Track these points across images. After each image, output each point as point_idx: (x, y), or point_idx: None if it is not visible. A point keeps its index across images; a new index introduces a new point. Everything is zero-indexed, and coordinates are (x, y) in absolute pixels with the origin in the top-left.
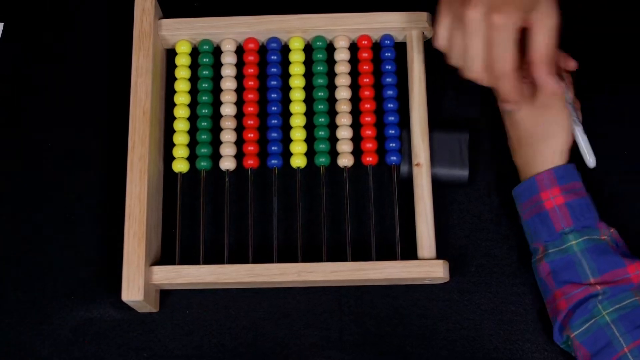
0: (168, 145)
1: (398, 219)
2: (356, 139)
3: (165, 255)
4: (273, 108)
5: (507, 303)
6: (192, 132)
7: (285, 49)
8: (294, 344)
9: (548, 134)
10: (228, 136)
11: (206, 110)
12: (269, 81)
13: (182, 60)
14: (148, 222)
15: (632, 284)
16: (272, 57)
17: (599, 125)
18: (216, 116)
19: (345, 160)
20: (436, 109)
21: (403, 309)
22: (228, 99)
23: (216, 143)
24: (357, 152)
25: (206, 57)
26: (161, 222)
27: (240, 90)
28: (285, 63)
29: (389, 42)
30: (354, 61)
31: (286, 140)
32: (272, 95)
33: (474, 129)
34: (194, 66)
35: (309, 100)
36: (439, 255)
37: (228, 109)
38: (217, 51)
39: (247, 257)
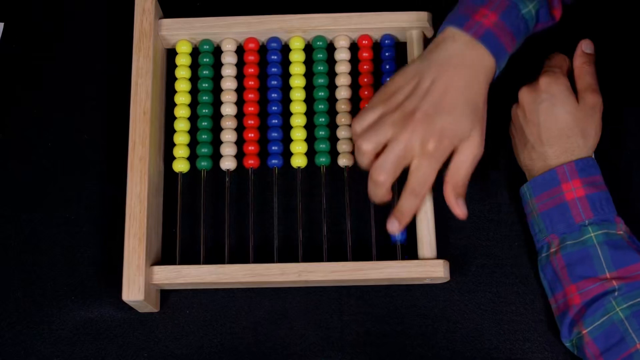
0: (168, 145)
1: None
2: None
3: (165, 255)
4: (273, 108)
5: (507, 303)
6: (193, 132)
7: (285, 49)
8: (294, 344)
9: (586, 132)
10: (228, 136)
11: (206, 110)
12: (269, 81)
13: (183, 60)
14: (148, 222)
15: None
16: (273, 57)
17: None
18: (216, 116)
19: (346, 160)
20: None
21: (403, 309)
22: (228, 98)
23: (216, 143)
24: None
25: (206, 57)
26: (161, 222)
27: (240, 90)
28: (285, 63)
29: (389, 42)
30: (354, 61)
31: (286, 140)
32: (273, 95)
33: None
34: (194, 66)
35: (309, 100)
36: (440, 255)
37: (228, 109)
38: (217, 51)
39: (247, 257)
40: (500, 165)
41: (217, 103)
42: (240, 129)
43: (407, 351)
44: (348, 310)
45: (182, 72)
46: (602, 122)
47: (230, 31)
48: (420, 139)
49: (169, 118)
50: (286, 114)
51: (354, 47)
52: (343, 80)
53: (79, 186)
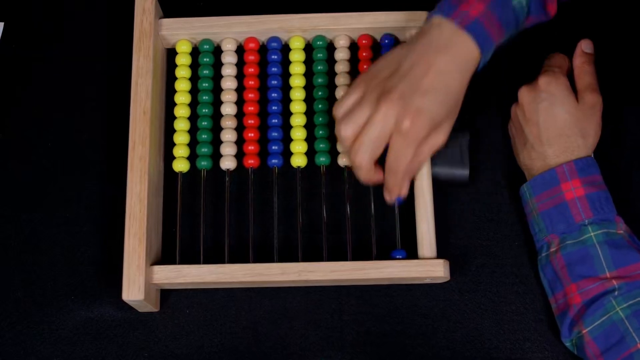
0: (168, 144)
1: (398, 219)
2: None
3: (165, 255)
4: (273, 107)
5: (507, 302)
6: (193, 131)
7: (285, 49)
8: (294, 343)
9: (586, 132)
10: (228, 135)
11: (206, 110)
12: (270, 80)
13: (183, 60)
14: (148, 221)
15: None
16: (273, 57)
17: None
18: (216, 115)
19: (346, 160)
20: None
21: (403, 308)
22: (228, 98)
23: (216, 142)
24: None
25: (206, 56)
26: (161, 222)
27: (240, 89)
28: (285, 62)
29: (389, 41)
30: (354, 60)
31: (286, 140)
32: (273, 95)
33: (474, 128)
34: (194, 66)
35: (309, 100)
36: (440, 255)
37: (228, 109)
38: (217, 51)
39: (247, 257)
40: (500, 165)
41: (217, 103)
42: (240, 129)
43: (407, 351)
44: (348, 310)
45: (182, 72)
46: (602, 121)
47: (230, 31)
48: (395, 118)
49: (169, 118)
50: (286, 114)
51: (354, 47)
52: (343, 79)
53: (79, 186)
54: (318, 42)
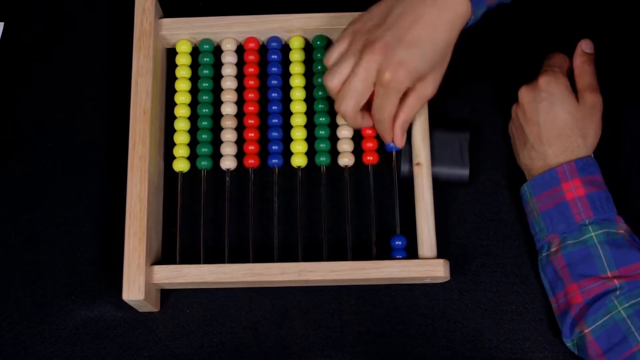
0: (168, 144)
1: (398, 219)
2: (357, 139)
3: (165, 255)
4: (273, 107)
5: (507, 302)
6: (193, 131)
7: (285, 48)
8: (294, 343)
9: (586, 132)
10: (228, 135)
11: (207, 110)
12: (270, 80)
13: (183, 60)
14: (148, 221)
15: None
16: (273, 57)
17: None
18: (217, 115)
19: (346, 160)
20: (436, 109)
21: (403, 308)
22: (228, 98)
23: (217, 142)
24: (357, 152)
25: (206, 56)
26: (161, 222)
27: (240, 89)
28: (285, 62)
29: None
30: None
31: (287, 140)
32: (273, 95)
33: (474, 128)
34: (194, 65)
35: (309, 100)
36: (440, 255)
37: (228, 108)
38: (217, 50)
39: (247, 257)
40: (500, 165)
41: (217, 102)
42: (240, 129)
43: (407, 351)
44: (348, 309)
45: (182, 72)
46: (602, 121)
47: (231, 31)
48: (376, 68)
49: (169, 117)
50: (286, 114)
51: None
52: None
53: (79, 186)
54: (318, 42)
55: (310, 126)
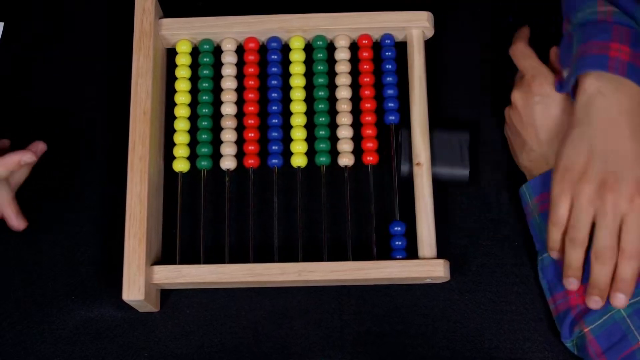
0: (168, 144)
1: (399, 219)
2: (356, 139)
3: (165, 255)
4: (273, 107)
5: (507, 302)
6: (193, 131)
7: (285, 49)
8: (294, 343)
9: None
10: (228, 135)
11: (206, 110)
12: (270, 80)
13: (183, 60)
14: (148, 221)
15: None
16: (273, 57)
17: None
18: (217, 115)
19: (346, 160)
20: (436, 109)
21: (404, 308)
22: (228, 98)
23: (217, 142)
24: (357, 152)
25: (206, 56)
26: (162, 222)
27: (240, 89)
28: (285, 62)
29: (389, 41)
30: (354, 60)
31: (287, 140)
32: (273, 95)
33: (474, 128)
34: (194, 66)
35: (309, 100)
36: (440, 255)
37: (228, 109)
38: (217, 51)
39: (247, 257)
40: (500, 165)
41: (217, 103)
42: (240, 129)
43: (407, 351)
44: (348, 309)
45: (182, 72)
46: None
47: (230, 31)
48: (625, 199)
49: (169, 118)
50: (286, 114)
51: (354, 47)
52: (343, 79)
53: (79, 186)
54: (318, 42)
55: (310, 126)
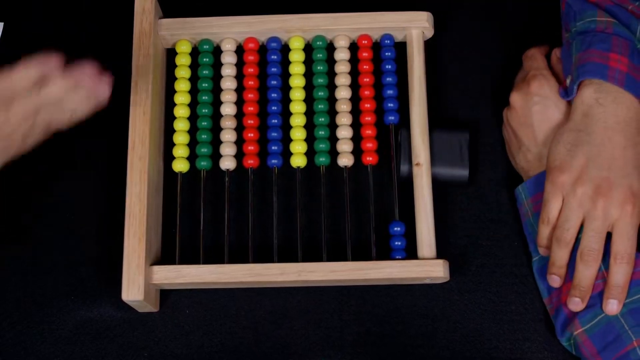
0: (168, 144)
1: (398, 219)
2: (356, 139)
3: (165, 255)
4: (273, 107)
5: (507, 303)
6: (192, 131)
7: (285, 49)
8: (294, 344)
9: None
10: (228, 136)
11: (206, 110)
12: (269, 81)
13: (182, 60)
14: (148, 221)
15: None
16: (272, 57)
17: None
18: (216, 116)
19: (345, 160)
20: (436, 109)
21: (403, 308)
22: (228, 98)
23: (216, 143)
24: (357, 152)
25: (206, 56)
26: (161, 222)
27: (240, 89)
28: (285, 63)
29: (389, 41)
30: (354, 61)
31: (286, 140)
32: (272, 95)
33: (474, 128)
34: (194, 66)
35: (309, 100)
36: (439, 255)
37: (228, 109)
38: (217, 51)
39: (247, 257)
40: (500, 165)
41: (216, 103)
42: (240, 129)
43: (407, 351)
44: (348, 310)
45: (182, 72)
46: None
47: (230, 31)
48: (617, 205)
49: (169, 118)
50: (286, 114)
51: (353, 47)
52: (343, 80)
53: (79, 186)
54: (318, 43)
55: (309, 126)
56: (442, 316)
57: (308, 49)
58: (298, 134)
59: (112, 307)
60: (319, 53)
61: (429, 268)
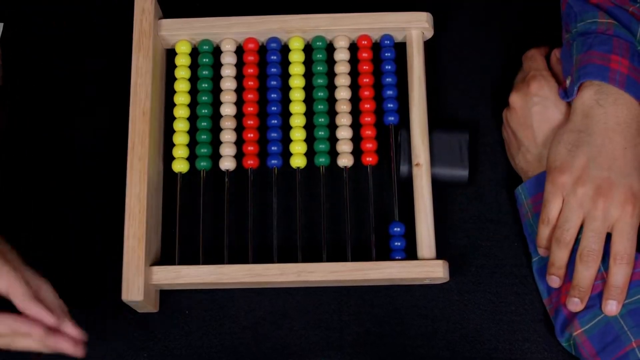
0: (168, 145)
1: (398, 219)
2: (356, 139)
3: (165, 256)
4: (273, 108)
5: (507, 303)
6: (192, 132)
7: (285, 49)
8: (294, 344)
9: None
10: (228, 136)
11: (206, 110)
12: (269, 81)
13: (182, 61)
14: (148, 222)
15: None
16: (272, 57)
17: None
18: (216, 116)
19: (345, 160)
20: (436, 109)
21: (403, 309)
22: (228, 99)
23: (216, 143)
24: (357, 152)
25: (206, 57)
26: (161, 222)
27: (240, 90)
28: (285, 63)
29: (388, 42)
30: (353, 61)
31: (286, 140)
32: (272, 95)
33: (473, 129)
34: (193, 66)
35: (308, 100)
36: (439, 255)
37: (228, 109)
38: (217, 51)
39: (247, 257)
40: (500, 165)
41: (216, 103)
42: (239, 129)
43: (407, 351)
44: (348, 310)
45: (182, 73)
46: None
47: (230, 31)
48: (617, 206)
49: (169, 118)
50: (286, 114)
51: (353, 48)
52: (343, 80)
53: (79, 186)
54: (317, 43)
55: (309, 127)
56: (441, 316)
57: (308, 49)
58: (298, 135)
59: (112, 307)
60: (319, 53)
61: (428, 268)
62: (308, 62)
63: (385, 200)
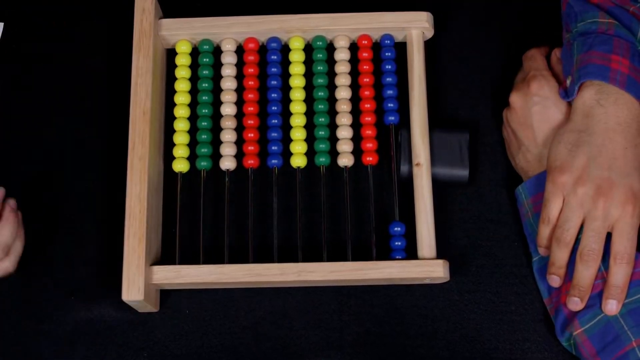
0: (168, 145)
1: (398, 219)
2: (356, 139)
3: (165, 255)
4: (273, 108)
5: (507, 303)
6: (192, 131)
7: (285, 49)
8: (294, 344)
9: None
10: (228, 136)
11: (206, 110)
12: (269, 81)
13: (182, 60)
14: (148, 221)
15: None
16: (272, 57)
17: None
18: (216, 116)
19: (345, 160)
20: (436, 109)
21: (403, 309)
22: (228, 98)
23: (216, 143)
24: (357, 152)
25: (206, 57)
26: (161, 222)
27: (240, 90)
28: (285, 63)
29: (389, 41)
30: (354, 61)
31: (286, 140)
32: (272, 95)
33: (474, 128)
34: (194, 66)
35: (309, 100)
36: (439, 255)
37: (228, 109)
38: (217, 51)
39: (247, 257)
40: (500, 165)
41: (216, 103)
42: (240, 129)
43: (407, 351)
44: (348, 310)
45: (182, 72)
46: None
47: (230, 31)
48: (617, 205)
49: (169, 118)
50: (286, 114)
51: (353, 47)
52: (343, 80)
53: (79, 186)
54: (318, 43)
55: (309, 127)
56: (441, 316)
57: (308, 49)
58: (298, 134)
59: (112, 307)
60: (319, 53)
61: (429, 268)
62: (308, 62)
63: (386, 200)
